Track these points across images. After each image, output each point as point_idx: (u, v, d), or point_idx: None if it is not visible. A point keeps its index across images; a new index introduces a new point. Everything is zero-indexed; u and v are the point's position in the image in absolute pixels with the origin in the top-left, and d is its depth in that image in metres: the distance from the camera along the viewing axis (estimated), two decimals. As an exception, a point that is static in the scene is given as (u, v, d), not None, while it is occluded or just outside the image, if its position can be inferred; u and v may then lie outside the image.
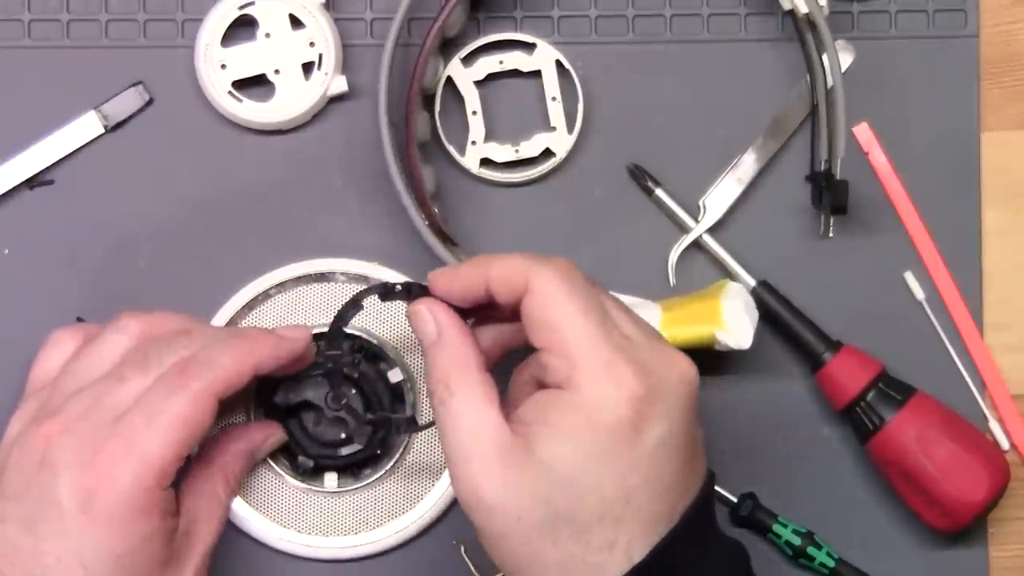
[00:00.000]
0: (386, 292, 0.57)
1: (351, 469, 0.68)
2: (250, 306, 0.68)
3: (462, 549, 0.68)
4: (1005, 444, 0.70)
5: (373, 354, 0.68)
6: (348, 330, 0.65)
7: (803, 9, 0.68)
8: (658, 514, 0.51)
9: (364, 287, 0.59)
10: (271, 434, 0.64)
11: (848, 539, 0.69)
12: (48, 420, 0.54)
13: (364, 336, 0.68)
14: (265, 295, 0.68)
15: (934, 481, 0.65)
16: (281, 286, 0.68)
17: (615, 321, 0.53)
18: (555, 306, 0.52)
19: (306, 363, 0.61)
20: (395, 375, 0.67)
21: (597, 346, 0.51)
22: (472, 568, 0.68)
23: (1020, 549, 0.70)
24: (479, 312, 0.56)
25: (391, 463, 0.68)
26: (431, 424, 0.56)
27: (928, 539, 0.69)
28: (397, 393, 0.68)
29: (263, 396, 0.66)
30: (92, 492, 0.52)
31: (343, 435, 0.66)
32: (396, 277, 0.68)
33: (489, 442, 0.51)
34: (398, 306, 0.62)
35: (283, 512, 0.68)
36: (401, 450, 0.68)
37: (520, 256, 0.53)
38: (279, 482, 0.68)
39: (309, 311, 0.68)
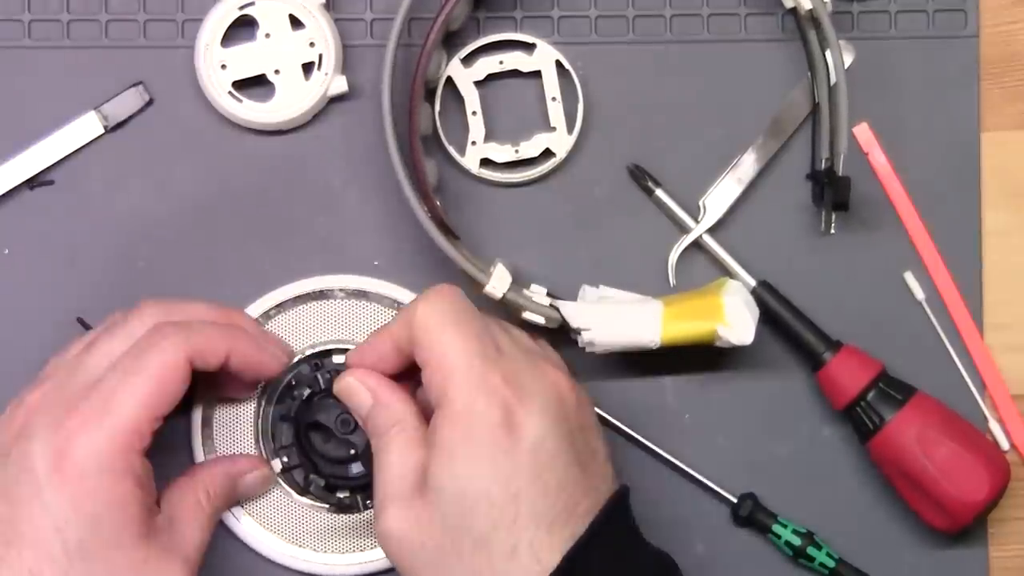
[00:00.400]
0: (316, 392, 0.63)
1: (363, 485, 0.67)
2: None
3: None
4: (1005, 444, 0.70)
5: None
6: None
7: (806, 6, 0.68)
8: (554, 515, 0.53)
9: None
10: (256, 467, 0.65)
11: (848, 539, 0.69)
12: (29, 394, 0.56)
13: None
14: (265, 316, 0.68)
15: (934, 481, 0.65)
16: (281, 306, 0.68)
17: (492, 337, 0.56)
18: (430, 326, 0.55)
19: (269, 378, 0.65)
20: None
21: (469, 359, 0.54)
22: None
23: (1020, 549, 0.70)
24: (408, 376, 0.59)
25: None
26: None
27: (928, 539, 0.69)
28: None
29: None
30: (63, 452, 0.53)
31: (352, 452, 0.66)
32: (395, 291, 0.68)
33: (405, 482, 0.54)
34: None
35: (296, 531, 0.68)
36: None
37: (408, 305, 0.58)
38: (291, 501, 0.68)
39: (310, 330, 0.68)
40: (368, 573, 0.68)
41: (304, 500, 0.67)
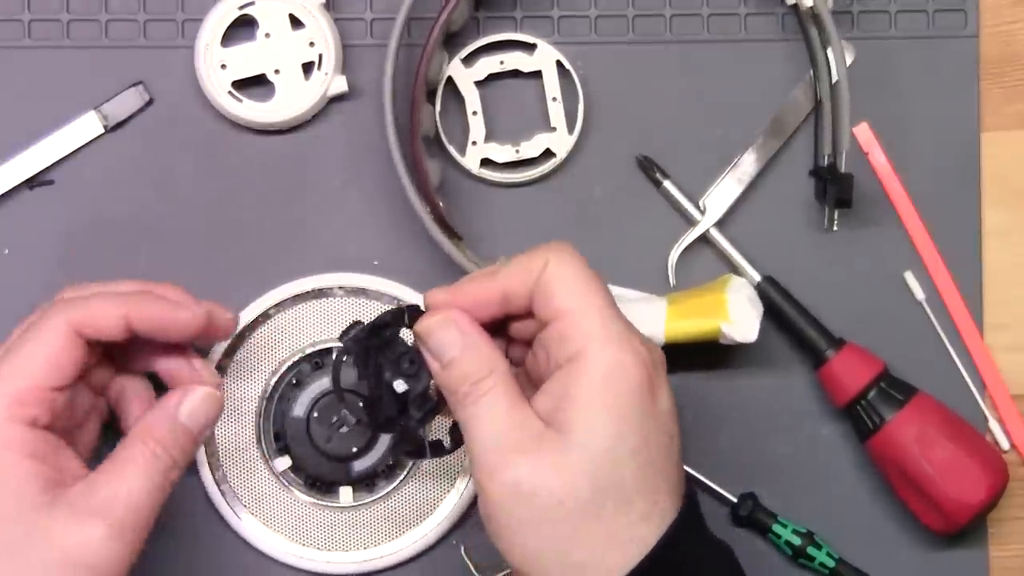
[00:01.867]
0: (380, 325, 0.55)
1: (365, 482, 0.68)
2: (252, 327, 0.68)
3: (462, 550, 0.68)
4: (1005, 444, 0.70)
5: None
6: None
7: (807, 3, 0.68)
8: (675, 483, 0.52)
9: (354, 325, 0.56)
10: (187, 392, 0.57)
11: (848, 539, 0.69)
12: None
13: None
14: (265, 316, 0.68)
15: (932, 482, 0.65)
16: (280, 305, 0.68)
17: (613, 301, 0.54)
18: (568, 280, 0.52)
19: (210, 340, 0.60)
20: (400, 385, 0.66)
21: (610, 318, 0.52)
22: (472, 569, 0.68)
23: (1020, 549, 0.70)
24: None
25: (404, 473, 0.68)
26: (460, 445, 0.56)
27: (928, 539, 0.69)
28: (402, 403, 0.67)
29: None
30: None
31: (355, 449, 0.66)
32: (392, 287, 0.68)
33: (524, 432, 0.51)
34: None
35: (300, 530, 0.68)
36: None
37: (526, 252, 0.54)
38: (293, 500, 0.68)
39: (310, 328, 0.68)
40: (369, 572, 0.68)
41: (306, 498, 0.67)
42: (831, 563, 0.68)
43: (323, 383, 0.67)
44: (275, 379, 0.67)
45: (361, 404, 0.61)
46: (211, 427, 0.57)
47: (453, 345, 0.53)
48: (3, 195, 0.69)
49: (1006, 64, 0.72)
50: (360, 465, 0.66)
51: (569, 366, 0.51)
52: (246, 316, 0.68)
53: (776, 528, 0.68)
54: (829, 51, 0.68)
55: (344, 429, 0.65)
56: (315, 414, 0.66)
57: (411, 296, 0.68)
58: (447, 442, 0.57)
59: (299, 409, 0.67)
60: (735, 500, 0.69)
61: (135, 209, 0.69)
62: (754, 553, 0.69)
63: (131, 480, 0.53)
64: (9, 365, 0.54)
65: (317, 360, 0.68)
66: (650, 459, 0.51)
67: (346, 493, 0.67)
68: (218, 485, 0.67)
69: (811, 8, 0.68)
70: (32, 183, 0.69)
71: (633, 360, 0.51)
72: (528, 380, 0.56)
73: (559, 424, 0.51)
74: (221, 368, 0.67)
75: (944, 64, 0.71)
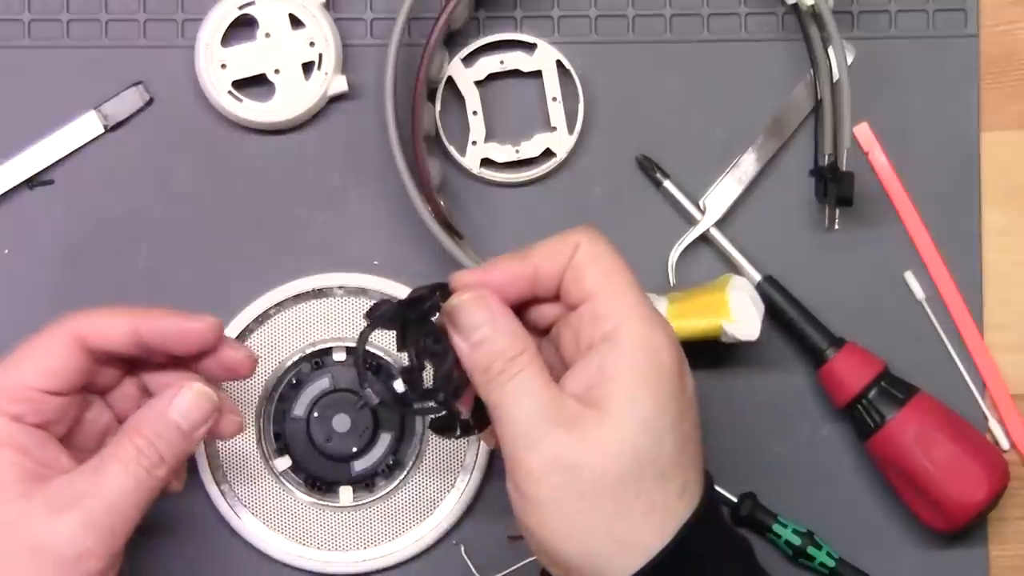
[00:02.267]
0: (415, 300, 0.53)
1: (365, 482, 0.68)
2: (250, 328, 0.68)
3: (461, 549, 0.68)
4: (1005, 444, 0.70)
5: (378, 365, 0.68)
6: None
7: (808, 2, 0.68)
8: (700, 463, 0.53)
9: (383, 303, 0.54)
10: (179, 389, 0.56)
11: (848, 539, 0.69)
12: None
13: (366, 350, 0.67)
14: (265, 315, 0.68)
15: (932, 481, 0.65)
16: (280, 305, 0.68)
17: None
18: (601, 261, 0.52)
19: (228, 373, 0.58)
20: (399, 385, 0.65)
21: (641, 299, 0.52)
22: (472, 569, 0.68)
23: (1020, 549, 0.70)
24: None
25: (404, 473, 0.68)
26: (484, 427, 0.55)
27: (928, 539, 0.69)
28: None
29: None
30: None
31: (355, 449, 0.66)
32: (393, 287, 0.68)
33: (563, 407, 0.50)
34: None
35: (300, 530, 0.68)
36: (415, 459, 0.68)
37: (555, 236, 0.54)
38: (293, 500, 0.68)
39: (309, 328, 0.69)
40: (369, 572, 0.68)
41: (307, 498, 0.67)
42: (831, 563, 0.68)
43: (323, 383, 0.67)
44: (275, 379, 0.67)
45: (400, 379, 0.57)
46: (205, 424, 0.56)
47: (485, 324, 0.52)
48: (3, 195, 0.69)
49: (1006, 64, 0.72)
50: (360, 465, 0.66)
51: (604, 345, 0.51)
52: (246, 316, 0.68)
53: (776, 528, 0.68)
54: (830, 50, 0.68)
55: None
56: (315, 414, 0.66)
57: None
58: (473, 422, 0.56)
59: (299, 409, 0.67)
60: (735, 500, 0.69)
61: (135, 209, 0.69)
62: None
63: (112, 475, 0.53)
64: (3, 364, 0.54)
65: (317, 360, 0.68)
66: (685, 436, 0.51)
67: (346, 493, 0.67)
68: (218, 485, 0.67)
69: (811, 7, 0.68)
70: (32, 183, 0.69)
71: (667, 341, 0.51)
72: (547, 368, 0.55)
73: (596, 401, 0.50)
74: None
75: (944, 64, 0.71)
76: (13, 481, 0.53)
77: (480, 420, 0.55)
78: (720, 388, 0.70)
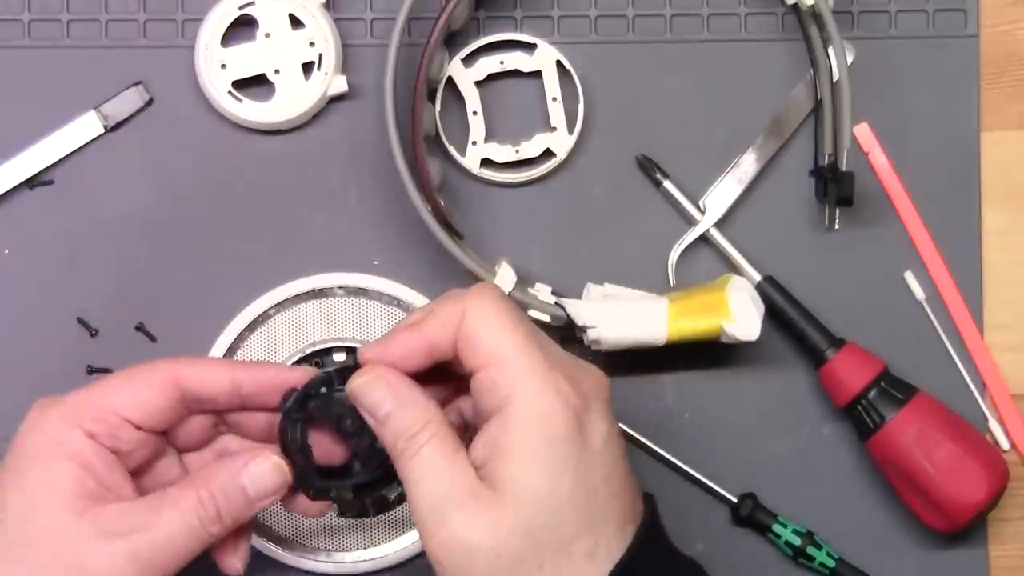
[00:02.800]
0: (325, 381, 0.56)
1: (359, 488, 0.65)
2: (251, 328, 0.68)
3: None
4: (1005, 444, 0.70)
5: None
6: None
7: (808, 1, 0.68)
8: (620, 514, 0.52)
9: (289, 394, 0.56)
10: (251, 460, 0.56)
11: (848, 539, 0.69)
12: None
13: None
14: (265, 316, 0.68)
15: (932, 481, 0.65)
16: (280, 305, 0.68)
17: (538, 335, 0.54)
18: (489, 326, 0.53)
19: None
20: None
21: (534, 361, 0.52)
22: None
23: (1020, 549, 0.70)
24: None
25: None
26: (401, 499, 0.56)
27: (928, 539, 0.69)
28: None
29: None
30: (15, 441, 0.54)
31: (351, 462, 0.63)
32: (394, 287, 0.68)
33: (461, 487, 0.51)
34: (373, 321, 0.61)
35: (300, 530, 0.68)
36: None
37: (445, 297, 0.54)
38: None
39: (309, 328, 0.68)
40: (371, 571, 0.68)
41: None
42: (831, 563, 0.68)
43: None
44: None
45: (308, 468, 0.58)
46: (270, 497, 0.56)
47: (385, 402, 0.53)
48: (3, 195, 0.69)
49: (1006, 64, 0.72)
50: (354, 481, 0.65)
51: (498, 416, 0.52)
52: (246, 316, 0.68)
53: (776, 528, 0.68)
54: (830, 50, 0.68)
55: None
56: (313, 417, 0.65)
57: (410, 296, 0.68)
58: (394, 496, 0.57)
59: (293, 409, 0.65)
60: (735, 500, 0.69)
61: (135, 209, 0.69)
62: (754, 553, 0.69)
63: (166, 517, 0.53)
64: (97, 384, 0.55)
65: (317, 360, 0.67)
66: (588, 500, 0.51)
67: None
68: None
69: (811, 7, 0.68)
70: (32, 183, 0.69)
71: (560, 406, 0.51)
72: (469, 425, 0.56)
73: (492, 477, 0.51)
74: None
75: (944, 64, 0.71)
76: (70, 494, 0.53)
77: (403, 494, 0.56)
78: (720, 388, 0.70)
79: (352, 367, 0.55)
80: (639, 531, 0.53)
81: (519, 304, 0.65)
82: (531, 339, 0.53)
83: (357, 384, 0.54)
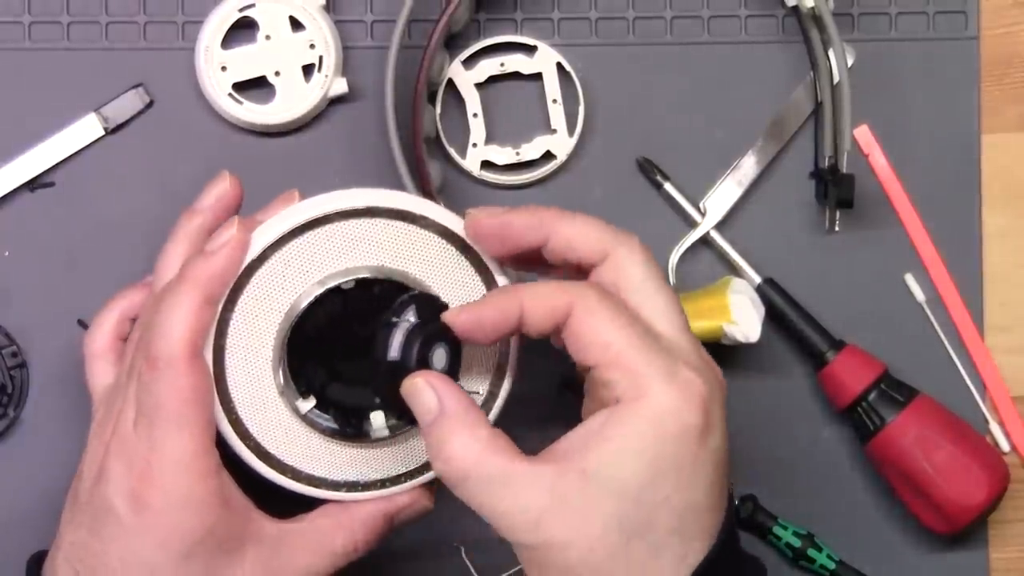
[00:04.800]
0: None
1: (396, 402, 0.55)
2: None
3: (462, 551, 0.68)
4: (1005, 446, 0.70)
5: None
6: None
7: (808, 4, 0.68)
8: (711, 526, 0.50)
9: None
10: (415, 501, 0.58)
11: (848, 541, 0.69)
12: (101, 428, 0.55)
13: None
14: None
15: (933, 483, 0.65)
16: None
17: (657, 330, 0.51)
18: (603, 324, 0.50)
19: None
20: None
21: (654, 354, 0.49)
22: (473, 571, 0.68)
23: (1021, 551, 0.70)
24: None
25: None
26: None
27: (929, 541, 0.69)
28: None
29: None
30: (139, 495, 0.52)
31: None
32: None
33: (538, 489, 0.48)
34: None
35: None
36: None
37: (554, 283, 0.51)
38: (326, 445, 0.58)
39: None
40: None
41: (333, 446, 0.58)
42: (831, 565, 0.68)
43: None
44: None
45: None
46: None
47: (430, 409, 0.51)
48: (4, 197, 0.69)
49: (1006, 66, 0.72)
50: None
51: (609, 409, 0.49)
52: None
53: (776, 530, 0.68)
54: (830, 52, 0.68)
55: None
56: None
57: None
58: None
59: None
60: (735, 502, 0.69)
61: (135, 211, 0.69)
62: (754, 554, 0.69)
63: (320, 559, 0.56)
64: (169, 428, 0.53)
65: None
66: (689, 504, 0.49)
67: (378, 420, 0.57)
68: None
69: (812, 10, 0.68)
70: (33, 185, 0.69)
71: (687, 403, 0.49)
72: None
73: (585, 463, 0.48)
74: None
75: (944, 66, 0.71)
76: (221, 543, 0.53)
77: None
78: (721, 390, 0.70)
79: (437, 306, 0.53)
80: (721, 536, 0.50)
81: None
82: (647, 336, 0.50)
83: (413, 384, 0.51)
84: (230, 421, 0.55)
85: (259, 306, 0.55)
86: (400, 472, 0.58)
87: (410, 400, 0.52)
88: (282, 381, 0.56)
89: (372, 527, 0.57)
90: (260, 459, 0.56)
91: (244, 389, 0.56)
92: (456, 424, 0.50)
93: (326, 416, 0.57)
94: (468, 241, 0.55)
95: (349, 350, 0.57)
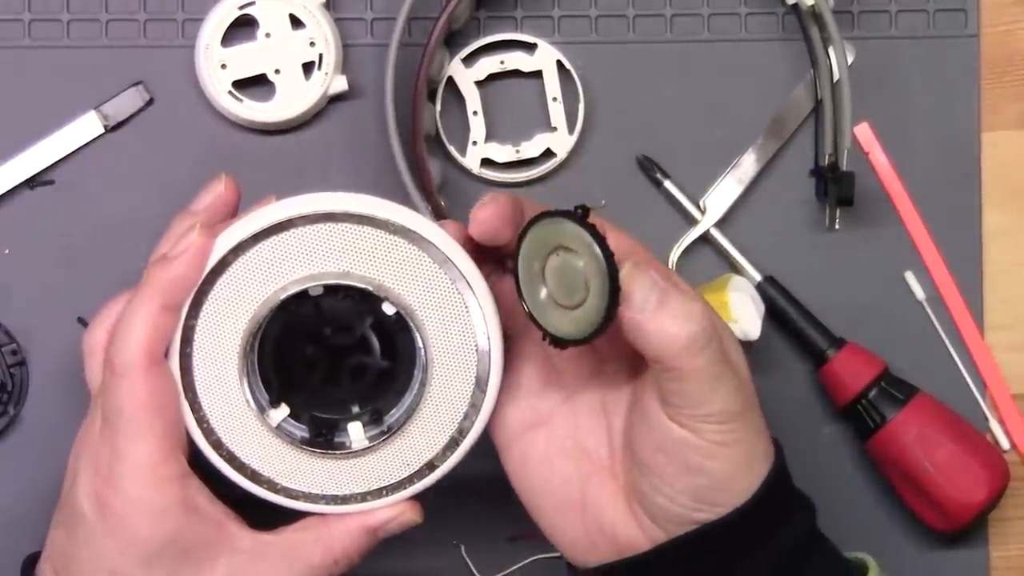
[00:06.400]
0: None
1: (371, 406, 0.56)
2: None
3: (462, 549, 0.68)
4: (1005, 444, 0.70)
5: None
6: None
7: (808, 2, 0.68)
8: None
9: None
10: (401, 513, 0.56)
11: (848, 539, 0.69)
12: (83, 430, 0.54)
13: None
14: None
15: (933, 481, 0.65)
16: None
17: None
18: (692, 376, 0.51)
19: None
20: (388, 308, 0.54)
21: (740, 394, 0.52)
22: (473, 569, 0.68)
23: (1021, 549, 0.70)
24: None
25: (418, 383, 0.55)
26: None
27: (929, 539, 0.69)
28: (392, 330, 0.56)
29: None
30: (103, 498, 0.52)
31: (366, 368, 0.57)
32: None
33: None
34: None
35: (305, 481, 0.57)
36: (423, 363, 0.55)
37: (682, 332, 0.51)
38: (296, 455, 0.56)
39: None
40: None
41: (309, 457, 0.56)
42: (832, 563, 0.68)
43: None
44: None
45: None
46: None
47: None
48: (3, 195, 0.69)
49: (1006, 64, 0.72)
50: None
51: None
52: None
53: (777, 528, 0.68)
54: (830, 50, 0.68)
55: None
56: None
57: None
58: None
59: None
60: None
61: (135, 209, 0.69)
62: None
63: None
64: (133, 431, 0.52)
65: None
66: (756, 411, 0.54)
67: (356, 431, 0.56)
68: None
69: (812, 7, 0.68)
70: (32, 183, 0.69)
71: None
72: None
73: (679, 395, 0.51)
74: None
75: (945, 64, 0.71)
76: (186, 547, 0.53)
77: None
78: (720, 388, 0.70)
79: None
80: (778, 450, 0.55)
81: None
82: (721, 362, 0.53)
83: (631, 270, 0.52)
84: (202, 430, 0.54)
85: (222, 312, 0.53)
86: (382, 485, 0.56)
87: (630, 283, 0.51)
88: (248, 390, 0.54)
89: (352, 542, 0.55)
90: (235, 469, 0.55)
91: (214, 398, 0.54)
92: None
93: (301, 426, 0.56)
94: (448, 240, 0.54)
95: (320, 357, 0.56)
